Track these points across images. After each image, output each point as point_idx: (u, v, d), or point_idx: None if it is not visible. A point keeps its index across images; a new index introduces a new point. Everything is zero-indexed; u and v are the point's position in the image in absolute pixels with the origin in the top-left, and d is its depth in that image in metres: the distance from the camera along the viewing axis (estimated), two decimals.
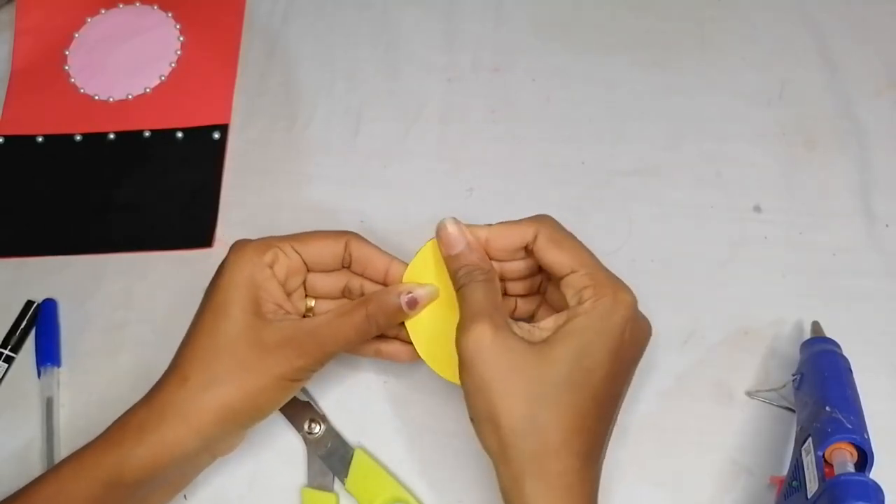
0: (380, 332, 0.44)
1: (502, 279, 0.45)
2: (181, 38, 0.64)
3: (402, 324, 0.45)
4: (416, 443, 0.49)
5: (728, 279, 0.52)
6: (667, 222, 0.54)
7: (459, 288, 0.42)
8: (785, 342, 0.50)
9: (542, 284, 0.47)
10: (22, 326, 0.53)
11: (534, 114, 0.59)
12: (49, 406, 0.51)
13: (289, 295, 0.45)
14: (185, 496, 0.48)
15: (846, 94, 0.57)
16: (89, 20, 0.65)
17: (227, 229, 0.56)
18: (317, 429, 0.49)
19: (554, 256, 0.42)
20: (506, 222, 0.44)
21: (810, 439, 0.41)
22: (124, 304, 0.54)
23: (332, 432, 0.49)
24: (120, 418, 0.42)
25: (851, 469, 0.38)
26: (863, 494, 0.37)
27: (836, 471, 0.39)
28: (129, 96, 0.62)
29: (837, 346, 0.46)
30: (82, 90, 0.63)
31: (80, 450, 0.41)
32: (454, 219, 0.44)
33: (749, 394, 0.49)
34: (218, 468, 0.47)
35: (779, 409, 0.48)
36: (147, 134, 0.60)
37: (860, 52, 0.59)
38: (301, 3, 0.65)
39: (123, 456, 0.40)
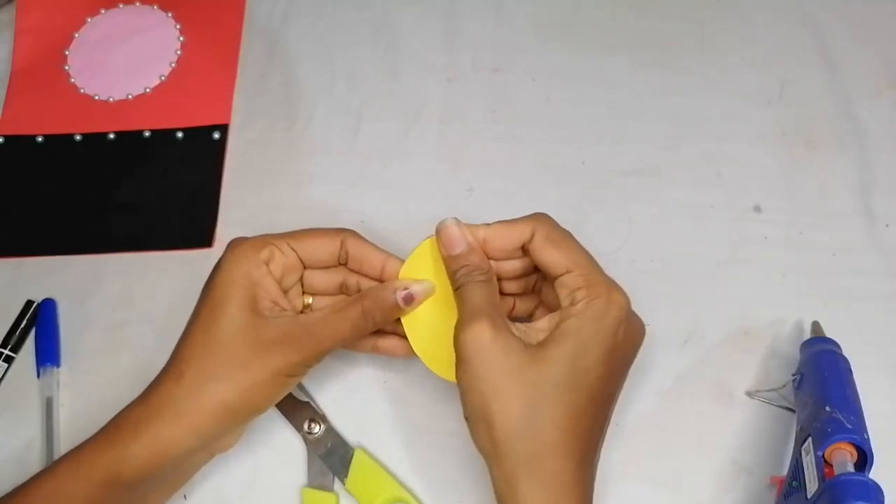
0: (376, 327, 0.44)
1: (499, 278, 0.45)
2: (181, 38, 0.64)
3: (399, 320, 0.45)
4: (416, 443, 0.49)
5: (728, 279, 0.52)
6: (667, 222, 0.54)
7: (458, 287, 0.42)
8: (785, 342, 0.50)
9: (538, 284, 0.47)
10: (22, 326, 0.53)
11: (534, 114, 0.59)
12: (49, 406, 0.51)
13: (285, 292, 0.45)
14: (184, 496, 0.48)
15: (846, 94, 0.57)
16: (89, 20, 0.65)
17: (227, 229, 0.56)
18: (317, 429, 0.49)
19: (549, 256, 0.42)
20: (503, 221, 0.44)
21: (810, 439, 0.41)
22: (124, 304, 0.54)
23: (332, 432, 0.49)
24: (116, 416, 0.42)
25: (851, 469, 0.39)
26: (863, 494, 0.37)
27: (836, 471, 0.39)
28: (129, 96, 0.62)
29: (837, 346, 0.46)
30: (82, 90, 0.63)
31: (76, 448, 0.41)
32: (456, 219, 0.44)
33: (749, 394, 0.49)
34: (218, 468, 0.47)
35: (779, 409, 0.48)
36: (147, 134, 0.60)
37: (860, 52, 0.59)
38: (301, 3, 0.65)
39: (120, 454, 0.40)
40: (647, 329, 0.50)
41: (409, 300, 0.44)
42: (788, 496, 0.41)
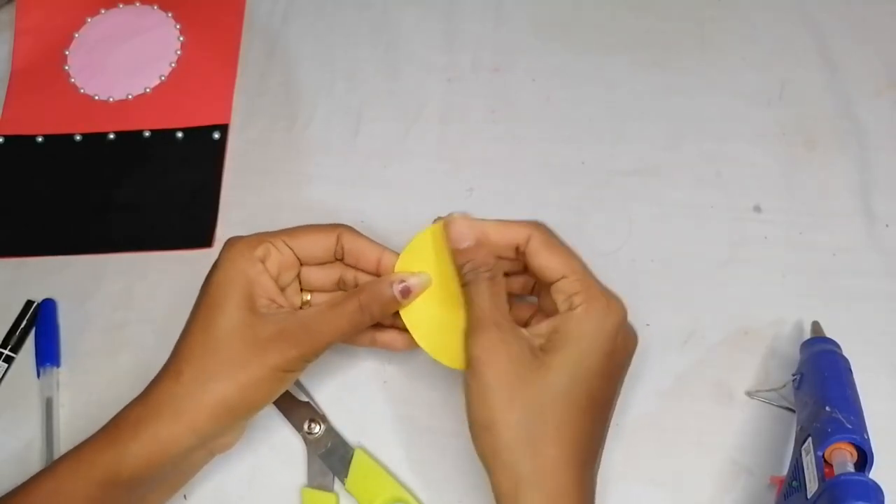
0: (373, 321, 0.44)
1: None
2: (181, 38, 0.64)
3: (397, 314, 0.45)
4: (416, 443, 0.49)
5: (728, 279, 0.52)
6: (667, 222, 0.54)
7: (465, 285, 0.42)
8: (785, 342, 0.50)
9: (534, 290, 0.47)
10: (22, 326, 0.53)
11: (534, 114, 0.59)
12: (49, 406, 0.51)
13: (283, 290, 0.45)
14: (184, 496, 0.48)
15: (846, 94, 0.57)
16: (89, 20, 0.65)
17: (227, 229, 0.56)
18: (317, 429, 0.49)
19: (545, 260, 0.43)
20: (501, 220, 0.44)
21: (810, 439, 0.41)
22: (124, 304, 0.54)
23: (332, 432, 0.49)
24: (116, 416, 0.42)
25: (851, 469, 0.38)
26: (863, 494, 0.37)
27: (836, 471, 0.39)
28: (129, 96, 0.62)
29: (837, 346, 0.46)
30: (82, 90, 0.63)
31: (76, 447, 0.41)
32: (465, 214, 0.44)
33: (749, 394, 0.49)
34: (218, 468, 0.47)
35: (779, 409, 0.48)
36: (147, 134, 0.60)
37: (860, 52, 0.59)
38: (301, 3, 0.65)
39: (119, 454, 0.40)
40: (647, 329, 0.50)
41: (406, 293, 0.44)
42: (788, 496, 0.41)
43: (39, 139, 0.61)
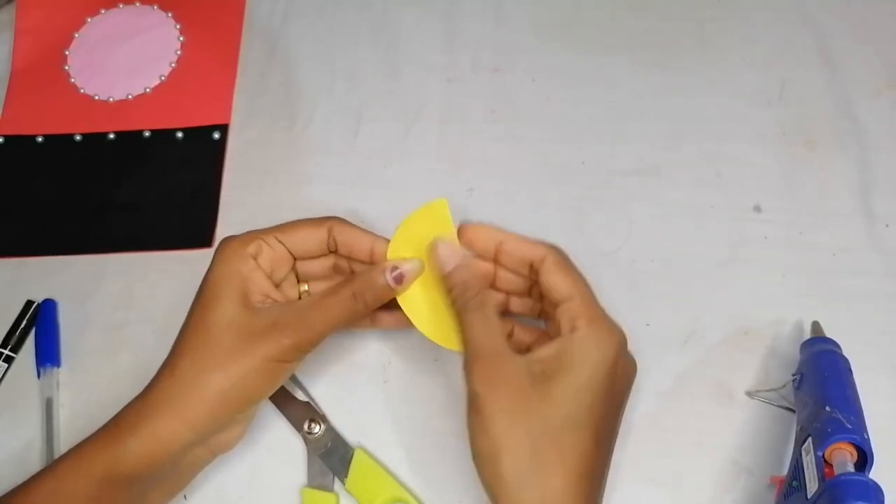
0: (368, 310, 0.44)
1: (499, 290, 0.46)
2: (181, 38, 0.64)
3: (395, 301, 0.45)
4: (416, 443, 0.49)
5: (728, 279, 0.52)
6: (667, 222, 0.54)
7: (457, 313, 0.42)
8: (785, 342, 0.50)
9: (541, 314, 0.47)
10: (22, 326, 0.53)
11: (534, 114, 0.59)
12: (49, 407, 0.51)
13: (278, 285, 0.46)
14: (185, 496, 0.48)
15: (846, 94, 0.57)
16: (89, 20, 0.65)
17: (227, 229, 0.56)
18: (317, 429, 0.49)
19: (557, 280, 0.43)
20: (521, 235, 0.45)
21: (810, 439, 0.40)
22: (124, 304, 0.54)
23: (332, 432, 0.49)
24: (116, 414, 0.42)
25: (851, 469, 0.38)
26: (863, 494, 0.37)
27: (836, 471, 0.39)
28: (129, 96, 0.62)
29: (837, 346, 0.46)
30: (82, 90, 0.63)
31: (76, 446, 0.42)
32: (445, 239, 0.44)
33: (749, 394, 0.49)
34: (218, 468, 0.47)
35: (779, 409, 0.48)
36: (147, 134, 0.60)
37: (860, 52, 0.59)
38: (301, 3, 0.65)
39: (118, 450, 0.40)
40: (647, 329, 0.50)
41: (400, 280, 0.44)
42: (788, 496, 0.41)
43: (39, 139, 0.61)
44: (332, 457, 0.48)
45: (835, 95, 0.57)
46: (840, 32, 0.60)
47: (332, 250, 0.47)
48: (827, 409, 0.41)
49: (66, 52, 0.64)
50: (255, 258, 0.44)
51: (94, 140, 0.61)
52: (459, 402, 0.41)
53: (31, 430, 0.51)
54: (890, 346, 0.50)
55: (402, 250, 0.45)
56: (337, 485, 0.48)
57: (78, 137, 0.61)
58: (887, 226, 0.53)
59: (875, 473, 0.39)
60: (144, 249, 0.56)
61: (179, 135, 0.60)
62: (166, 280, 0.55)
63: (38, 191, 0.59)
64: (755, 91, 0.58)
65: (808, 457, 0.40)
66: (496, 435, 0.39)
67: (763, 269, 0.52)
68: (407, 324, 0.45)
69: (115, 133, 0.61)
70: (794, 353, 0.48)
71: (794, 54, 0.59)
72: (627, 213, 0.55)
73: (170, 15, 0.65)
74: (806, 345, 0.47)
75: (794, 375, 0.46)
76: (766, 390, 0.48)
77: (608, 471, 0.42)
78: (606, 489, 0.41)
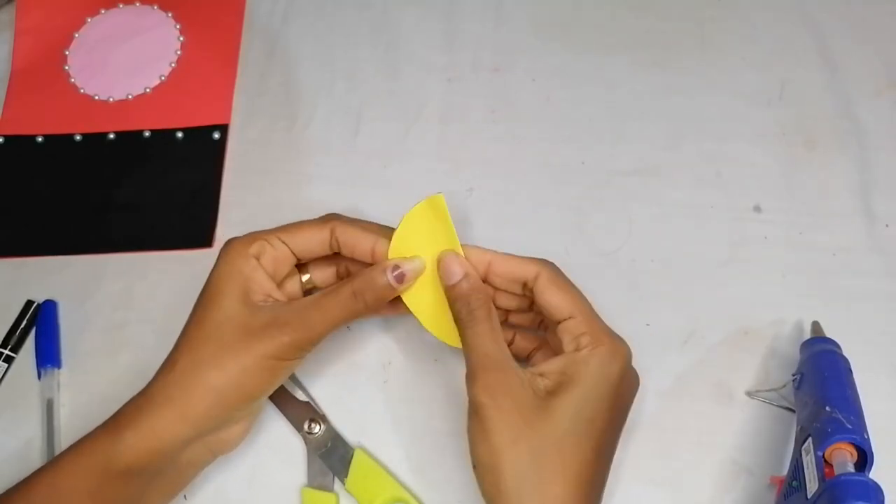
0: (369, 309, 0.44)
1: (498, 307, 0.46)
2: (181, 38, 0.64)
3: (399, 299, 0.45)
4: (416, 443, 0.49)
5: (728, 279, 0.52)
6: (667, 222, 0.54)
7: (461, 324, 0.43)
8: (785, 342, 0.50)
9: (542, 325, 0.47)
10: (22, 326, 0.53)
11: (534, 114, 0.59)
12: (49, 408, 0.51)
13: (280, 285, 0.46)
14: (185, 496, 0.48)
15: (846, 94, 0.57)
16: (89, 20, 0.65)
17: (227, 229, 0.56)
18: (317, 429, 0.49)
19: (554, 299, 0.43)
20: (510, 254, 0.45)
21: (810, 439, 0.40)
22: (124, 304, 0.54)
23: (332, 432, 0.49)
24: (116, 411, 0.43)
25: (851, 469, 0.38)
26: (863, 494, 0.37)
27: (836, 471, 0.39)
28: (129, 96, 0.62)
29: (837, 346, 0.46)
30: (82, 90, 0.63)
31: (76, 442, 0.42)
32: (450, 251, 0.44)
33: (749, 394, 0.49)
34: (218, 468, 0.47)
35: (779, 409, 0.48)
36: (147, 134, 0.60)
37: (860, 52, 0.59)
38: (301, 3, 0.65)
39: (116, 444, 0.41)
40: (647, 329, 0.51)
41: (401, 279, 0.44)
42: (788, 496, 0.41)
43: (39, 139, 0.61)
44: (332, 457, 0.48)
45: (835, 95, 0.57)
46: (840, 32, 0.60)
47: (335, 251, 0.47)
48: (827, 409, 0.41)
49: (66, 52, 0.64)
50: (257, 258, 0.44)
51: (94, 140, 0.60)
52: (459, 402, 0.41)
53: (32, 431, 0.51)
54: (890, 346, 0.50)
55: (403, 248, 0.45)
56: (337, 485, 0.48)
57: (78, 137, 0.61)
58: (887, 226, 0.53)
59: (875, 473, 0.39)
60: (144, 249, 0.56)
61: (179, 135, 0.60)
62: (166, 280, 0.55)
63: (38, 191, 0.59)
64: (755, 91, 0.58)
65: (808, 457, 0.40)
66: (497, 445, 0.39)
67: (763, 269, 0.52)
68: (404, 310, 0.45)
69: (115, 133, 0.61)
70: (794, 353, 0.48)
71: (794, 54, 0.59)
72: (627, 213, 0.55)
73: (170, 15, 0.65)
74: (806, 345, 0.47)
75: (794, 375, 0.46)
76: (766, 390, 0.48)
77: (607, 479, 0.42)
78: (607, 489, 0.41)
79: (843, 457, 0.39)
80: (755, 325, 0.51)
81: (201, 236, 0.56)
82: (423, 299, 0.45)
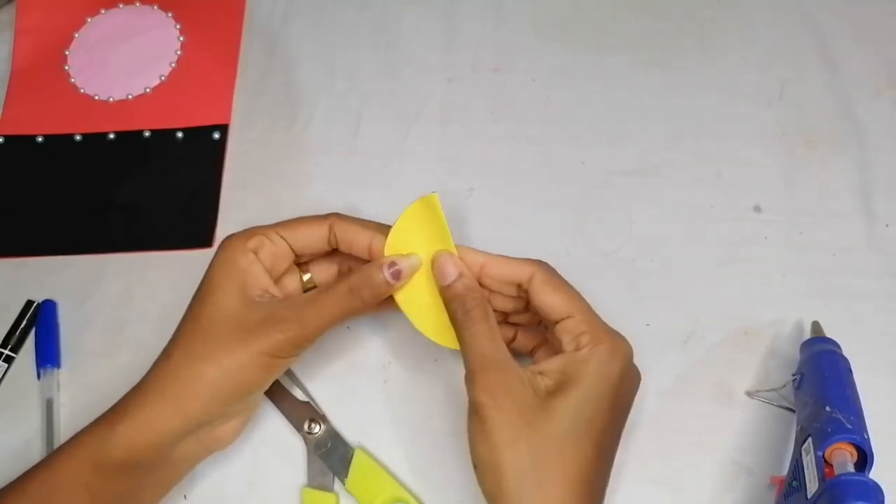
0: (366, 306, 0.43)
1: (494, 310, 0.45)
2: (181, 38, 0.64)
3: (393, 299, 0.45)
4: (416, 443, 0.49)
5: (728, 279, 0.52)
6: (667, 222, 0.54)
7: (458, 329, 0.42)
8: (785, 342, 0.50)
9: (542, 322, 0.47)
10: (22, 326, 0.53)
11: (534, 114, 0.59)
12: (49, 408, 0.51)
13: (278, 280, 0.46)
14: (185, 496, 0.48)
15: (846, 94, 0.57)
16: (89, 20, 0.65)
17: (227, 229, 0.55)
18: (317, 429, 0.49)
19: (550, 299, 0.43)
20: (502, 256, 0.44)
21: (810, 439, 0.40)
22: (124, 304, 0.54)
23: (332, 432, 0.49)
24: (113, 405, 0.43)
25: (851, 469, 0.38)
26: (863, 494, 0.37)
27: (836, 471, 0.39)
28: (129, 96, 0.62)
29: (837, 346, 0.46)
30: (82, 90, 0.63)
31: (73, 435, 0.42)
32: (444, 252, 0.44)
33: (749, 394, 0.49)
34: (218, 468, 0.47)
35: (779, 409, 0.48)
36: (147, 134, 0.60)
37: (860, 52, 0.59)
38: (301, 3, 0.65)
39: (110, 436, 0.41)
40: (647, 329, 0.50)
41: (398, 276, 0.43)
42: (788, 496, 0.41)
43: (39, 139, 0.61)
44: (332, 457, 0.48)
45: (835, 95, 0.57)
46: (840, 32, 0.60)
47: (334, 247, 0.47)
48: (827, 409, 0.41)
49: (66, 52, 0.64)
50: (255, 253, 0.44)
51: (94, 140, 0.60)
52: (459, 402, 0.41)
53: (31, 431, 0.51)
54: (890, 346, 0.50)
55: (399, 247, 0.45)
56: (337, 485, 0.48)
57: (78, 137, 0.61)
58: (887, 226, 0.53)
59: (875, 473, 0.39)
60: (144, 249, 0.56)
61: (179, 135, 0.60)
62: (166, 280, 0.55)
63: (38, 191, 0.59)
64: (755, 91, 0.58)
65: (808, 457, 0.40)
66: (498, 445, 0.39)
67: (763, 269, 0.52)
68: (395, 306, 0.45)
69: (115, 133, 0.61)
70: (794, 353, 0.48)
71: (794, 54, 0.59)
72: (627, 213, 0.55)
73: (170, 15, 0.65)
74: (806, 345, 0.47)
75: (794, 375, 0.46)
76: (766, 390, 0.48)
77: (609, 478, 0.42)
78: (607, 489, 0.41)
79: (843, 457, 0.39)
80: (755, 325, 0.51)
81: (201, 236, 0.56)
82: (417, 301, 0.45)
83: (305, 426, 0.49)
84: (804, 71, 0.59)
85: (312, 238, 0.46)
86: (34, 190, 0.59)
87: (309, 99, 0.61)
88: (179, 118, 0.61)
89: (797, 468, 0.41)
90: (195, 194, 0.58)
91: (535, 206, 0.55)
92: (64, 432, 0.51)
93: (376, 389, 0.51)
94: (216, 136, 0.60)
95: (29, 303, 0.54)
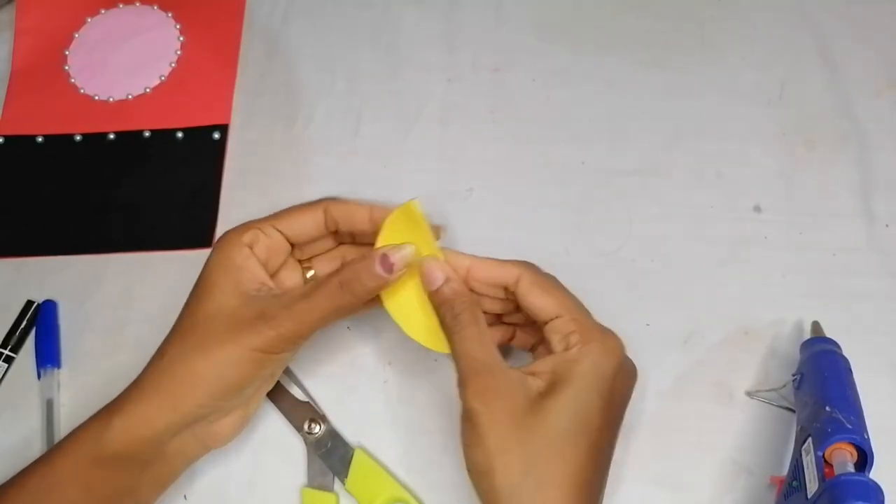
0: (358, 300, 0.42)
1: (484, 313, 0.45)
2: (181, 38, 0.64)
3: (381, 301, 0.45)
4: (416, 443, 0.49)
5: (728, 279, 0.52)
6: (667, 222, 0.54)
7: (448, 333, 0.42)
8: (785, 342, 0.50)
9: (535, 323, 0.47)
10: (22, 326, 0.53)
11: (534, 114, 0.59)
12: (49, 408, 0.51)
13: (275, 273, 0.46)
14: (184, 496, 0.48)
15: (846, 94, 0.57)
16: (89, 20, 0.65)
17: (227, 229, 0.56)
18: (317, 429, 0.49)
19: (537, 300, 0.42)
20: (488, 258, 0.44)
21: (810, 439, 0.40)
22: (124, 304, 0.54)
23: (332, 432, 0.49)
24: (110, 401, 0.43)
25: (851, 469, 0.38)
26: (863, 494, 0.37)
27: (836, 471, 0.39)
28: (129, 96, 0.62)
29: (837, 346, 0.46)
30: (82, 90, 0.63)
31: (70, 431, 0.42)
32: (431, 257, 0.44)
33: (749, 394, 0.49)
34: (218, 468, 0.47)
35: (779, 409, 0.48)
36: (147, 134, 0.60)
37: (860, 52, 0.59)
38: (301, 3, 0.65)
39: (106, 430, 0.41)
40: (647, 329, 0.50)
41: (391, 268, 0.42)
42: (788, 496, 0.41)
43: (39, 139, 0.61)
44: (332, 457, 0.48)
45: (835, 95, 0.57)
46: (840, 32, 0.59)
47: (333, 231, 0.46)
48: (827, 409, 0.41)
49: (66, 52, 0.64)
50: (250, 247, 0.44)
51: (94, 140, 0.60)
52: (459, 402, 0.41)
53: (31, 431, 0.51)
54: (890, 346, 0.50)
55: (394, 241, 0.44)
56: (337, 485, 0.48)
57: (78, 137, 0.61)
58: (887, 226, 0.53)
59: (875, 473, 0.39)
60: (144, 249, 0.56)
61: (179, 135, 0.60)
62: (166, 280, 0.55)
63: (38, 191, 0.59)
64: (755, 91, 0.58)
65: (808, 457, 0.40)
66: (491, 449, 0.38)
67: (763, 269, 0.52)
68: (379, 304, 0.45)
69: (115, 133, 0.61)
70: (794, 353, 0.48)
71: (794, 54, 0.59)
72: (627, 213, 0.55)
73: (170, 15, 0.65)
74: (806, 345, 0.47)
75: (794, 375, 0.46)
76: (766, 390, 0.48)
77: (606, 478, 0.41)
78: (607, 489, 0.41)
79: (843, 457, 0.39)
80: (755, 325, 0.51)
81: (201, 236, 0.56)
82: (407, 307, 0.45)
83: (305, 426, 0.49)
84: (804, 71, 0.59)
85: (308, 225, 0.46)
86: (34, 190, 0.59)
87: (309, 99, 0.61)
88: (179, 118, 0.61)
89: (797, 468, 0.41)
90: (195, 194, 0.58)
91: (535, 206, 0.55)
92: (64, 432, 0.50)
93: (376, 389, 0.51)
94: (216, 136, 0.60)
95: (29, 303, 0.54)
